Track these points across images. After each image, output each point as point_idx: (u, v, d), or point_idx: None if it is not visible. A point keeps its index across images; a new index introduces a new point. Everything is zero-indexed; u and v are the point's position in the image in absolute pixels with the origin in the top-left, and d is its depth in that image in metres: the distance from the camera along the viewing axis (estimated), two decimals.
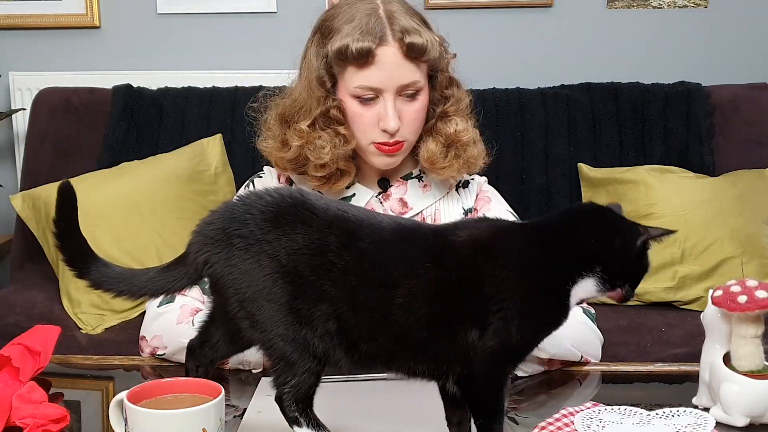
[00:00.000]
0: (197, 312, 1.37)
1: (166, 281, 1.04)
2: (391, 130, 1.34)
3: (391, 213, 1.43)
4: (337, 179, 1.41)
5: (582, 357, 1.34)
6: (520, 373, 1.29)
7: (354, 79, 1.33)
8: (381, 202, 1.44)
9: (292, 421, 0.98)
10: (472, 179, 1.50)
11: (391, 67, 1.31)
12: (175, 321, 1.36)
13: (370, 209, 1.41)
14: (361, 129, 1.37)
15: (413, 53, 1.30)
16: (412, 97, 1.35)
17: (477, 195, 1.49)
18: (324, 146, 1.36)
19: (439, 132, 1.39)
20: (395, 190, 1.45)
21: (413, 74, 1.32)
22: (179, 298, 1.38)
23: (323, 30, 1.38)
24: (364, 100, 1.34)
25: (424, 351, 0.96)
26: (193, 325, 1.39)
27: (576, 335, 1.32)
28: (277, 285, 0.94)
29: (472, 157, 1.41)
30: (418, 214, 1.44)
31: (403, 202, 1.44)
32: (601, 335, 1.39)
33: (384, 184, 1.45)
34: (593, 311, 1.40)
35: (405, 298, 0.94)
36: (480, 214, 1.46)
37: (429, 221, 1.44)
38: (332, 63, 1.34)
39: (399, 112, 1.34)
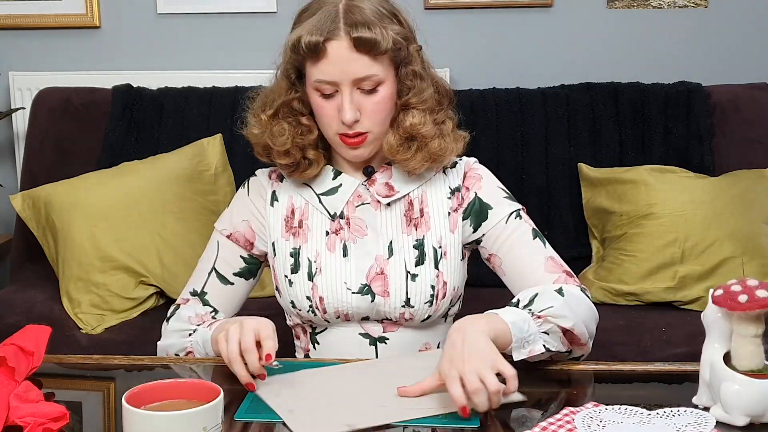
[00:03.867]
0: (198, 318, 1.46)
1: None
2: (347, 122, 1.36)
3: (378, 197, 1.44)
4: (306, 167, 1.44)
5: (588, 340, 1.35)
6: (549, 347, 1.27)
7: (312, 73, 1.37)
8: (367, 188, 1.45)
9: None
10: (460, 159, 1.50)
11: (342, 60, 1.33)
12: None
13: (357, 199, 1.45)
14: (325, 121, 1.40)
15: (362, 47, 1.32)
16: (372, 89, 1.36)
17: (465, 174, 1.48)
18: (282, 133, 1.41)
19: (399, 124, 1.41)
20: (380, 176, 1.46)
21: (368, 68, 1.34)
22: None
23: (295, 22, 1.43)
24: (324, 94, 1.37)
25: None
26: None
27: (583, 312, 1.34)
28: None
29: (436, 150, 1.41)
30: (404, 196, 1.45)
31: (389, 186, 1.45)
32: (597, 314, 1.41)
33: (369, 170, 1.47)
34: (588, 292, 1.42)
35: None
36: (471, 193, 1.46)
37: (416, 204, 1.45)
38: (290, 56, 1.39)
39: (359, 104, 1.36)
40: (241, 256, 1.50)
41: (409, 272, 1.42)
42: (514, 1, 2.85)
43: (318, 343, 1.49)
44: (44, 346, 1.27)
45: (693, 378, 1.19)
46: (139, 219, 2.36)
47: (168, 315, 1.51)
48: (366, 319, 1.45)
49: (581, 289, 1.40)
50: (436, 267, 1.43)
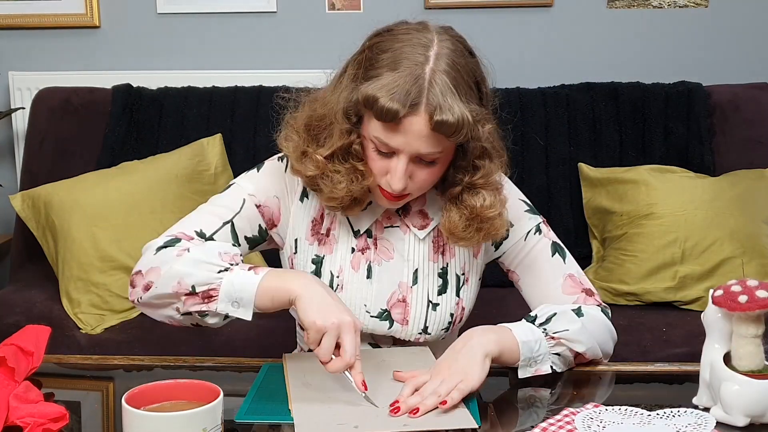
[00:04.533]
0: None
1: None
2: (395, 192, 1.28)
3: (414, 230, 1.39)
4: (351, 207, 1.35)
5: (600, 357, 1.36)
6: (556, 368, 1.29)
7: (375, 129, 1.26)
8: (400, 215, 1.40)
9: None
10: None
11: (414, 136, 1.23)
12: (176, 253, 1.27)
13: (386, 221, 1.40)
14: (374, 172, 1.31)
15: (441, 130, 1.22)
16: (429, 163, 1.28)
17: None
18: (341, 181, 1.30)
19: (465, 204, 1.32)
20: (414, 204, 1.41)
21: (436, 146, 1.24)
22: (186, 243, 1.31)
23: (368, 59, 1.28)
24: (380, 151, 1.28)
25: None
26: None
27: (600, 335, 1.34)
28: None
29: (494, 229, 1.34)
30: (437, 225, 1.41)
31: (423, 214, 1.40)
32: (616, 334, 1.40)
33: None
34: (609, 311, 1.41)
35: None
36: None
37: (444, 229, 1.38)
38: (360, 104, 1.27)
39: (411, 172, 1.27)
40: (259, 225, 1.39)
41: (431, 302, 1.39)
42: (514, 1, 2.85)
43: None
44: (44, 346, 1.26)
45: (693, 378, 1.19)
46: (139, 219, 2.36)
47: (161, 244, 1.30)
48: (378, 335, 1.43)
49: (601, 309, 1.38)
50: (458, 294, 1.41)
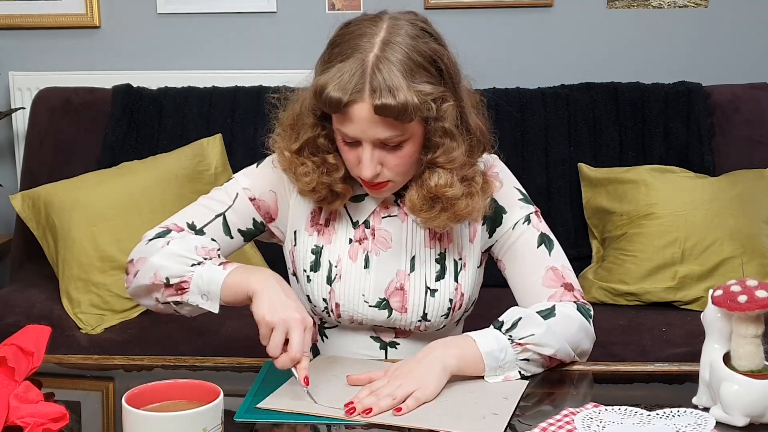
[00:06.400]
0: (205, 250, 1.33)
1: None
2: (366, 179, 1.30)
3: (413, 217, 1.39)
4: (332, 200, 1.39)
5: (575, 357, 1.35)
6: (525, 373, 1.29)
7: (335, 122, 1.30)
8: (398, 205, 1.42)
9: None
10: (482, 161, 1.42)
11: (364, 122, 1.25)
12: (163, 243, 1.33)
13: (384, 210, 1.42)
14: (348, 164, 1.34)
15: (384, 114, 1.24)
16: (395, 147, 1.29)
17: (485, 176, 1.43)
18: (307, 174, 1.35)
19: (423, 182, 1.33)
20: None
21: (390, 131, 1.26)
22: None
23: (326, 54, 1.33)
24: (347, 142, 1.30)
25: None
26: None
27: (571, 336, 1.33)
28: None
29: (462, 212, 1.34)
30: None
31: None
32: (594, 334, 1.39)
33: (398, 191, 1.42)
34: (590, 308, 1.40)
35: None
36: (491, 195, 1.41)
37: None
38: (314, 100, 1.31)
39: (381, 158, 1.29)
40: (253, 219, 1.43)
41: (429, 288, 1.40)
42: (514, 1, 2.85)
43: (327, 337, 1.48)
44: (44, 347, 1.27)
45: (693, 378, 1.19)
46: (139, 219, 2.36)
47: (153, 235, 1.37)
48: (379, 326, 1.44)
49: (578, 306, 1.37)
50: (456, 279, 1.41)
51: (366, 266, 1.40)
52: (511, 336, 1.29)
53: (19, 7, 2.94)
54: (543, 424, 1.10)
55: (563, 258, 1.43)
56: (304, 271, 1.43)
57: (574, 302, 1.38)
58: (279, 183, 1.44)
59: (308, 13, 2.91)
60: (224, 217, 1.42)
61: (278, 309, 1.20)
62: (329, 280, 1.41)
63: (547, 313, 1.33)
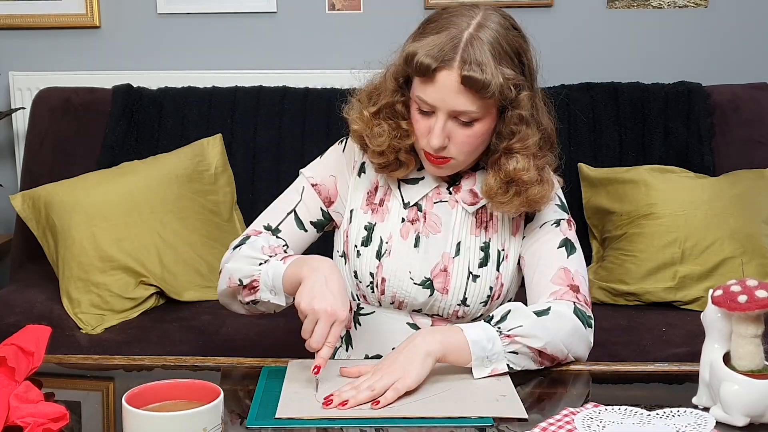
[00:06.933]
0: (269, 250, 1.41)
1: None
2: (432, 148, 1.36)
3: (464, 205, 1.45)
4: (395, 168, 1.45)
5: (568, 355, 1.35)
6: (515, 367, 1.29)
7: (417, 89, 1.36)
8: (451, 192, 1.47)
9: None
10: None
11: (446, 91, 1.32)
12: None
13: (436, 195, 1.46)
14: (417, 133, 1.40)
15: (469, 86, 1.30)
16: (467, 123, 1.35)
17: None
18: (381, 134, 1.41)
19: (501, 167, 1.40)
20: (465, 182, 1.47)
21: (469, 104, 1.32)
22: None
23: (420, 29, 1.39)
24: (422, 110, 1.37)
25: None
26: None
27: (564, 335, 1.33)
28: None
29: (534, 197, 1.40)
30: (484, 206, 1.46)
31: (474, 193, 1.46)
32: (592, 340, 1.39)
33: (455, 176, 1.47)
34: (591, 316, 1.40)
35: None
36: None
37: (489, 206, 1.45)
38: (402, 65, 1.38)
39: (449, 132, 1.36)
40: (321, 208, 1.51)
41: (471, 273, 1.44)
42: (514, 1, 2.85)
43: (360, 324, 1.50)
44: (44, 346, 1.27)
45: (693, 378, 1.19)
46: (139, 219, 2.36)
47: (237, 243, 1.47)
48: (418, 311, 1.46)
49: (575, 309, 1.37)
50: (498, 269, 1.45)
51: (416, 245, 1.45)
52: (499, 327, 1.30)
53: (19, 7, 2.94)
54: (543, 424, 1.10)
55: (581, 265, 1.45)
56: (355, 246, 1.47)
57: (573, 302, 1.39)
58: (339, 166, 1.52)
59: (308, 13, 2.91)
60: (295, 213, 1.50)
61: (314, 299, 1.24)
62: (379, 255, 1.45)
63: (541, 312, 1.34)
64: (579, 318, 1.37)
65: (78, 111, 2.69)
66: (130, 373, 1.40)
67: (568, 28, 2.90)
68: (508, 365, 1.29)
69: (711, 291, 1.12)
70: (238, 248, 1.44)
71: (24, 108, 2.86)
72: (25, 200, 2.44)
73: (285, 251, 1.43)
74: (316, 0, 2.90)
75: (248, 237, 1.47)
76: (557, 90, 2.67)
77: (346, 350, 1.52)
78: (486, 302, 1.44)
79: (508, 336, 1.29)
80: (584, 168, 2.57)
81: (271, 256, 1.39)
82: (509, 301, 1.49)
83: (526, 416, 1.14)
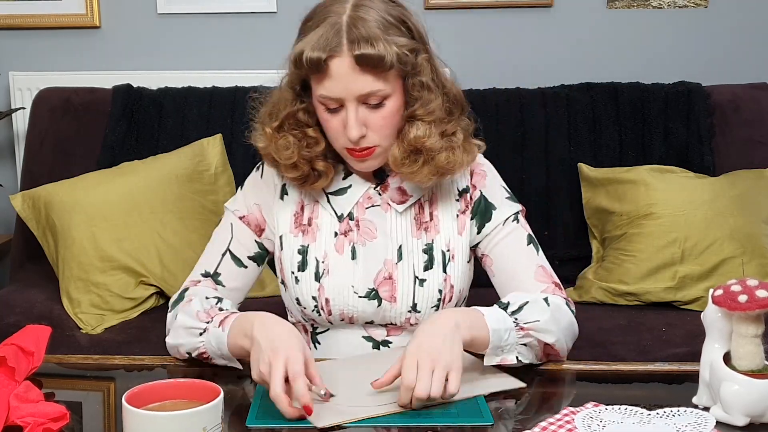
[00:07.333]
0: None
1: None
2: (352, 140, 1.32)
3: (392, 204, 1.42)
4: (314, 179, 1.41)
5: (566, 352, 1.36)
6: (522, 359, 1.29)
7: (316, 88, 1.33)
8: (380, 194, 1.44)
9: None
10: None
11: (344, 78, 1.28)
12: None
13: (367, 201, 1.43)
14: (332, 135, 1.36)
15: (365, 64, 1.28)
16: (378, 104, 1.32)
17: (472, 172, 1.46)
18: (287, 146, 1.38)
19: (404, 136, 1.36)
20: (392, 180, 1.44)
21: (372, 84, 1.29)
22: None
23: (300, 30, 1.38)
24: (329, 109, 1.33)
25: None
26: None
27: (565, 328, 1.34)
28: None
29: (443, 164, 1.36)
30: (417, 201, 1.44)
31: (402, 191, 1.43)
32: (577, 330, 1.41)
33: (381, 175, 1.45)
34: (574, 309, 1.41)
35: None
36: (477, 192, 1.45)
37: (426, 207, 1.43)
38: (293, 69, 1.35)
39: (364, 119, 1.32)
40: (255, 241, 1.48)
41: (417, 277, 1.41)
42: (514, 1, 2.85)
43: (319, 343, 1.48)
44: (44, 346, 1.27)
45: (693, 378, 1.19)
46: (139, 219, 2.36)
47: (174, 299, 1.43)
48: (370, 323, 1.44)
49: (566, 303, 1.39)
50: (444, 270, 1.42)
51: (353, 257, 1.42)
52: (516, 319, 1.30)
53: (19, 7, 2.94)
54: (543, 424, 1.10)
55: (546, 260, 1.46)
56: (292, 273, 1.44)
57: (564, 299, 1.40)
58: (260, 193, 1.48)
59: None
60: (230, 252, 1.47)
61: (259, 364, 1.17)
62: (317, 277, 1.41)
63: (546, 301, 1.35)
64: (572, 314, 1.39)
65: (78, 111, 2.69)
66: (130, 373, 1.40)
67: (568, 28, 2.90)
68: (517, 357, 1.29)
69: (711, 291, 1.12)
70: (175, 316, 1.38)
71: (24, 108, 2.86)
72: (25, 200, 2.44)
73: (220, 308, 1.36)
74: (316, 0, 2.90)
75: (185, 290, 1.43)
76: (557, 90, 2.68)
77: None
78: (437, 306, 1.41)
79: (524, 329, 1.29)
80: (584, 168, 2.57)
81: (207, 322, 1.33)
82: (463, 301, 1.48)
83: (523, 384, 1.21)
